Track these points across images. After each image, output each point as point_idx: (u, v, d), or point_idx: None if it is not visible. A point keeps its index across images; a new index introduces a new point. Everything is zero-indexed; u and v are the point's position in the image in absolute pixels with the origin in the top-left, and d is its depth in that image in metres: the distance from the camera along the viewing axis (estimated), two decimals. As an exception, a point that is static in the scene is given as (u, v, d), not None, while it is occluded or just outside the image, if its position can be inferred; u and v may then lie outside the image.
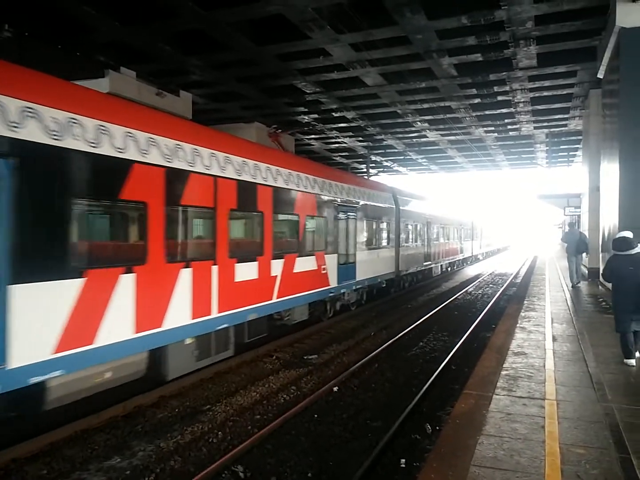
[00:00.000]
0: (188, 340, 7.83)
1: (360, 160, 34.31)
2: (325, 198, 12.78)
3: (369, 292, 17.09)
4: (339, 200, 13.52)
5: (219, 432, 6.75)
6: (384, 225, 17.61)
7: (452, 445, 4.58)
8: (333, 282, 13.09)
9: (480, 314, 15.59)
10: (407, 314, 16.25)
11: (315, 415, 7.38)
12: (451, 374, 9.54)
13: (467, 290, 22.67)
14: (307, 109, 21.26)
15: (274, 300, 10.18)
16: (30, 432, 6.20)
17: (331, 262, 12.98)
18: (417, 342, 12.16)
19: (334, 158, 33.67)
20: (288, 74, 16.92)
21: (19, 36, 11.97)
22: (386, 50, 14.39)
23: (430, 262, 24.63)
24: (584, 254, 16.33)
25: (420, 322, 14.34)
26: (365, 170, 32.76)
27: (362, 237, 15.33)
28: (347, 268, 13.99)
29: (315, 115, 22.41)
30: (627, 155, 10.98)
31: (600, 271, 12.96)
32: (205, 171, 8.14)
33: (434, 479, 4.00)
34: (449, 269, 31.72)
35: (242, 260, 9.10)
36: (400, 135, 26.81)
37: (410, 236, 21.16)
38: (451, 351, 10.81)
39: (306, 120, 23.24)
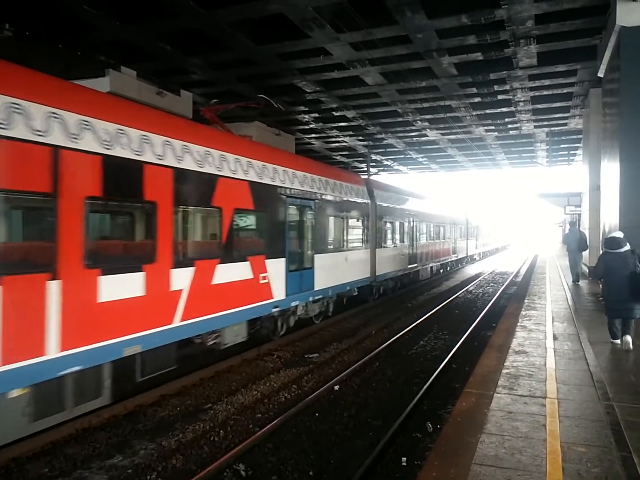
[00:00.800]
0: (15, 393, 5.51)
1: (361, 159, 34.32)
2: (267, 187, 10.14)
3: (346, 299, 15.22)
4: (288, 190, 10.94)
5: (221, 431, 6.76)
6: (355, 223, 15.22)
7: (453, 444, 4.59)
8: (279, 294, 10.51)
9: (481, 313, 15.59)
10: (408, 312, 16.26)
11: (317, 414, 7.39)
12: (452, 372, 9.55)
13: (467, 289, 22.67)
14: (307, 108, 21.27)
15: (178, 323, 7.58)
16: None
17: (276, 268, 10.40)
18: (417, 341, 12.17)
19: (335, 157, 33.70)
20: (288, 73, 16.93)
21: (19, 35, 11.98)
22: (386, 49, 14.39)
23: (416, 265, 22.21)
24: (584, 252, 16.75)
25: (421, 321, 14.35)
26: (365, 169, 32.79)
27: (324, 237, 12.85)
28: (300, 275, 11.52)
29: (316, 115, 22.43)
30: (627, 154, 10.98)
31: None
32: (36, 139, 5.51)
33: (435, 477, 4.01)
34: (442, 270, 29.41)
35: (112, 271, 6.47)
36: (401, 134, 26.82)
37: (391, 235, 18.89)
38: (452, 350, 10.82)
39: (306, 120, 23.25)
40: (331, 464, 5.90)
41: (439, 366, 9.57)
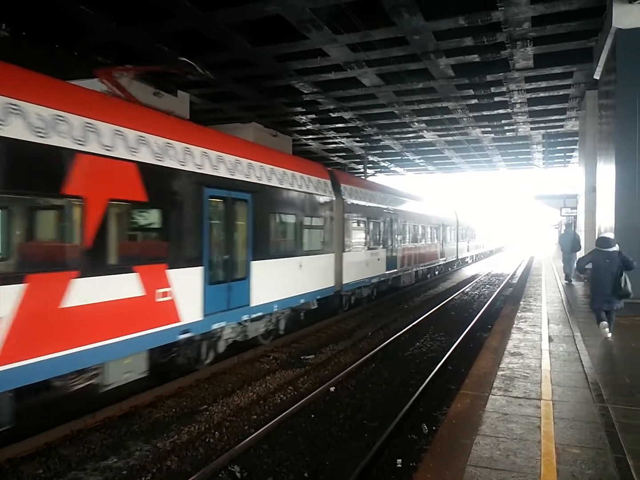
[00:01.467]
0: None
1: (358, 160, 34.36)
2: (171, 173, 7.66)
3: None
4: (209, 179, 8.46)
5: (216, 432, 6.75)
6: (313, 222, 12.65)
7: (449, 445, 4.59)
8: (191, 314, 8.04)
9: (477, 315, 15.62)
10: (404, 314, 16.27)
11: (312, 415, 7.39)
12: (447, 374, 9.56)
13: (463, 291, 22.70)
14: (304, 109, 21.28)
15: None
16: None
17: (185, 281, 7.94)
18: (413, 343, 12.18)
19: (332, 158, 33.73)
20: (285, 75, 16.94)
21: (16, 36, 11.95)
22: (383, 50, 14.42)
23: (396, 270, 19.66)
24: (577, 253, 17.11)
25: (417, 323, 14.36)
26: (362, 170, 32.83)
27: (266, 239, 10.38)
28: (228, 289, 9.02)
29: (313, 116, 22.45)
30: (623, 157, 11.02)
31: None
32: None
33: (430, 479, 4.01)
34: (429, 275, 26.91)
35: None
36: (398, 136, 26.87)
37: (364, 237, 16.33)
38: (448, 352, 10.83)
39: (303, 121, 23.27)
40: (327, 466, 5.90)
41: (434, 368, 9.58)
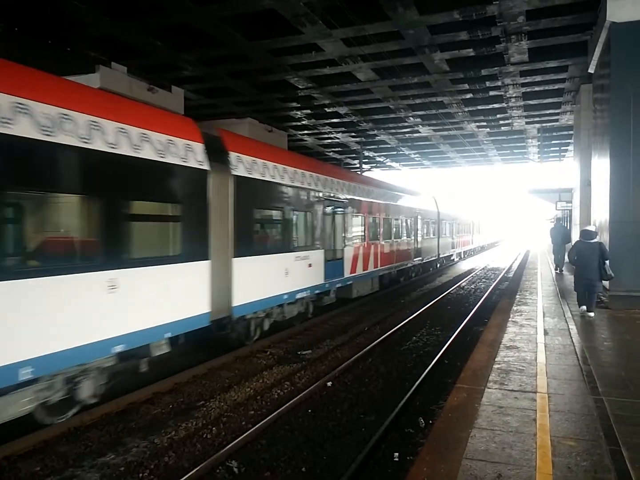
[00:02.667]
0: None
1: (354, 155, 34.32)
2: None
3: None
4: None
5: (213, 428, 6.76)
6: (160, 210, 8.14)
7: (445, 439, 4.62)
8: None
9: (473, 309, 15.67)
10: (401, 309, 16.31)
11: (309, 410, 7.41)
12: (444, 368, 9.60)
13: (460, 285, 22.77)
14: (299, 104, 21.21)
15: None
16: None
17: None
18: (410, 337, 12.21)
19: (327, 153, 33.67)
20: (280, 70, 16.87)
21: (8, 31, 11.84)
22: (378, 45, 14.37)
23: (344, 277, 14.90)
24: (567, 245, 18.04)
25: (414, 317, 14.40)
26: (358, 165, 32.81)
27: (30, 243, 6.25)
28: None
29: (308, 111, 22.38)
30: (617, 150, 11.06)
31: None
32: None
33: (426, 472, 4.03)
34: (403, 278, 22.55)
35: None
36: (393, 131, 26.84)
37: (279, 234, 11.58)
38: (444, 346, 10.88)
39: (299, 116, 23.21)
40: (324, 460, 5.93)
41: (431, 362, 9.62)
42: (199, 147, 8.49)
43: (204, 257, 8.58)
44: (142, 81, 9.42)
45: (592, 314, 10.32)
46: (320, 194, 13.43)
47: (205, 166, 8.56)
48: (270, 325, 11.43)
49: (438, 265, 30.07)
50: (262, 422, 6.79)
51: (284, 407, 7.34)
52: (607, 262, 10.16)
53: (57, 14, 12.39)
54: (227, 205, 9.35)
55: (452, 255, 34.64)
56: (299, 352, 10.73)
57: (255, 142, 11.69)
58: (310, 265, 12.72)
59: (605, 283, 11.46)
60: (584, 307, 10.52)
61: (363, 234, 16.76)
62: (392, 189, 20.80)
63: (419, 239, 24.11)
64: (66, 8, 11.96)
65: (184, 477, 5.33)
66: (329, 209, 14.05)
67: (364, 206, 16.80)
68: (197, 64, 15.99)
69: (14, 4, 11.67)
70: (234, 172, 9.51)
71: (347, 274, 15.15)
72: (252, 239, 10.23)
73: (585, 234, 10.50)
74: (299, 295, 12.11)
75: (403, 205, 21.53)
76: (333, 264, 14.19)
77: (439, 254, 28.96)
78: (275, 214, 11.42)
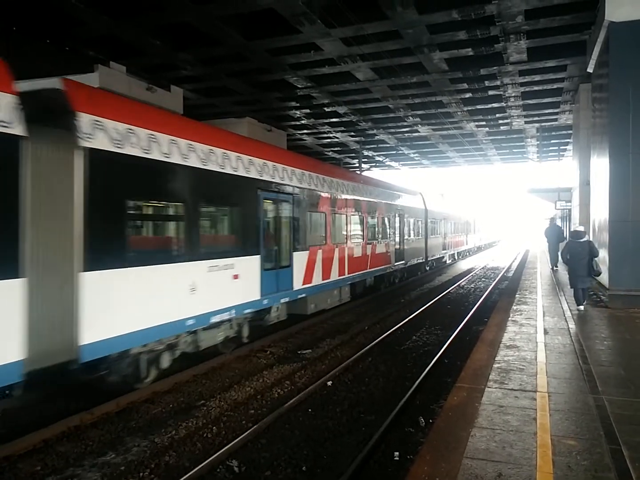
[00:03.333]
0: None
1: (353, 155, 34.32)
2: None
3: None
4: None
5: (214, 427, 6.76)
6: None
7: (445, 438, 4.62)
8: None
9: (473, 308, 15.68)
10: (400, 308, 16.32)
11: (310, 410, 7.41)
12: (444, 367, 9.60)
13: (459, 284, 22.79)
14: (298, 103, 21.22)
15: None
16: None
17: None
18: (410, 336, 12.22)
19: (326, 153, 33.67)
20: (279, 69, 16.87)
21: (6, 30, 11.84)
22: (377, 44, 14.38)
23: (293, 290, 11.68)
24: (561, 243, 18.49)
25: (413, 316, 14.41)
26: (357, 165, 32.81)
27: None
28: None
29: (307, 110, 22.38)
30: (616, 150, 11.07)
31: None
32: None
33: (426, 471, 4.03)
34: (383, 285, 19.60)
35: None
36: (392, 130, 26.85)
37: (177, 235, 8.37)
38: (444, 345, 10.88)
39: (298, 115, 23.20)
40: (324, 459, 5.92)
41: (431, 361, 9.62)
42: (3, 100, 5.55)
43: (8, 273, 5.49)
44: (141, 81, 9.41)
45: (582, 308, 11.07)
46: (257, 184, 10.24)
47: (16, 130, 5.60)
48: (179, 358, 8.56)
49: (427, 268, 27.35)
50: (263, 421, 6.79)
51: (284, 406, 7.33)
52: (596, 258, 10.88)
53: (56, 13, 12.39)
54: (72, 193, 6.31)
55: (443, 257, 31.65)
56: (299, 352, 10.73)
57: (137, 104, 7.97)
58: (236, 276, 9.46)
59: (605, 282, 11.56)
60: (582, 307, 11.12)
61: (323, 234, 13.50)
62: (366, 182, 17.95)
63: (402, 239, 21.18)
64: (64, 7, 11.95)
65: (185, 476, 5.32)
66: (269, 204, 10.86)
67: (325, 201, 13.62)
68: (196, 63, 15.99)
69: (12, 3, 11.65)
70: (87, 144, 6.46)
71: (298, 285, 11.91)
72: (123, 243, 7.07)
73: (576, 234, 11.27)
74: (216, 318, 8.87)
75: (381, 201, 18.45)
76: (275, 273, 10.93)
77: (426, 256, 25.89)
78: (173, 208, 8.30)
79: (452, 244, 33.83)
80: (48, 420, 6.57)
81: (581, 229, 11.49)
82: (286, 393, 8.15)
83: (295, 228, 11.91)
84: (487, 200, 75.51)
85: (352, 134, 27.53)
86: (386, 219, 19.16)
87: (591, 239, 11.81)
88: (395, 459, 5.87)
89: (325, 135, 27.84)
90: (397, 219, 20.59)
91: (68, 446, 6.18)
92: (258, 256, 10.27)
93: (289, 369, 9.44)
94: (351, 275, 15.42)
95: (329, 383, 8.54)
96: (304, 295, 12.32)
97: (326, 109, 22.07)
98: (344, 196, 15.04)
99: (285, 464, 5.79)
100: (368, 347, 10.80)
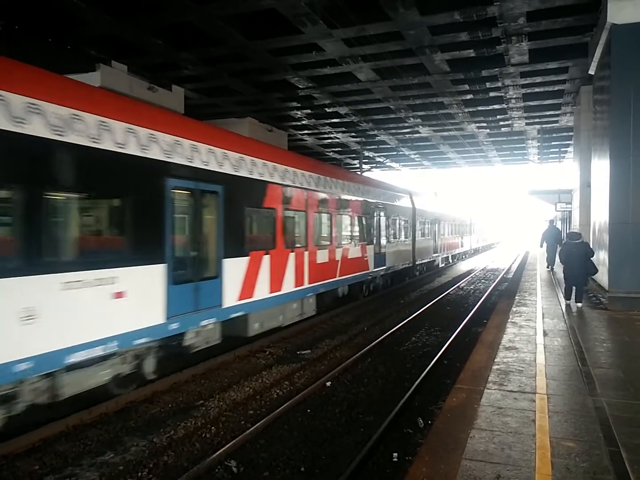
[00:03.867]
0: None
1: (354, 155, 34.31)
2: None
3: None
4: None
5: (212, 427, 6.76)
6: None
7: (444, 439, 4.62)
8: None
9: (472, 310, 15.68)
10: (400, 309, 16.31)
11: (308, 410, 7.41)
12: (443, 368, 9.59)
13: (459, 286, 22.78)
14: (299, 104, 21.22)
15: None
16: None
17: None
18: (409, 337, 12.21)
19: (327, 153, 33.67)
20: (280, 69, 16.87)
21: (8, 29, 11.84)
22: (379, 45, 14.37)
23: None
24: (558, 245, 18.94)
25: (413, 318, 14.40)
26: (358, 165, 32.81)
27: None
28: None
29: (308, 111, 22.38)
30: (617, 152, 11.06)
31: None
32: None
33: (425, 472, 4.03)
34: (363, 292, 17.82)
35: None
36: (393, 131, 26.84)
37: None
38: (443, 346, 10.87)
39: (299, 116, 23.20)
40: (323, 460, 5.92)
41: (430, 362, 9.61)
42: None
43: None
44: (143, 80, 9.39)
45: (580, 304, 11.74)
46: (163, 168, 7.78)
47: None
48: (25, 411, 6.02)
49: (417, 273, 24.96)
50: (261, 421, 6.78)
51: (283, 406, 7.33)
52: (592, 259, 11.63)
53: (57, 12, 12.39)
54: None
55: (434, 260, 29.18)
56: (298, 352, 10.73)
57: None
58: (120, 294, 6.93)
59: (605, 284, 11.58)
60: (569, 302, 12.09)
61: (272, 237, 11.12)
62: (336, 175, 15.08)
63: (384, 241, 19.01)
64: (66, 6, 11.95)
65: (183, 476, 5.32)
66: (182, 196, 8.30)
67: (275, 195, 11.16)
68: (197, 63, 15.99)
69: (13, 2, 11.65)
70: None
71: (231, 301, 9.45)
72: None
73: (572, 236, 12.15)
74: (76, 357, 6.30)
75: (356, 198, 16.30)
76: (193, 288, 8.40)
77: (414, 260, 23.45)
78: None
79: (445, 247, 31.90)
80: (47, 419, 6.57)
81: (577, 231, 12.56)
82: (285, 393, 8.15)
83: (228, 228, 9.39)
84: (485, 200, 74.97)
85: (353, 134, 27.53)
86: (363, 219, 16.93)
87: (585, 241, 12.54)
88: (393, 460, 5.87)
89: (326, 135, 27.84)
90: (378, 218, 18.30)
91: (67, 445, 6.18)
92: (164, 265, 7.73)
93: (288, 370, 9.43)
94: (314, 285, 13.10)
95: (328, 384, 8.54)
96: (241, 313, 9.80)
97: (327, 110, 22.06)
98: (304, 191, 12.61)
99: (284, 465, 5.79)
100: (367, 348, 10.79)
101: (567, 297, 12.14)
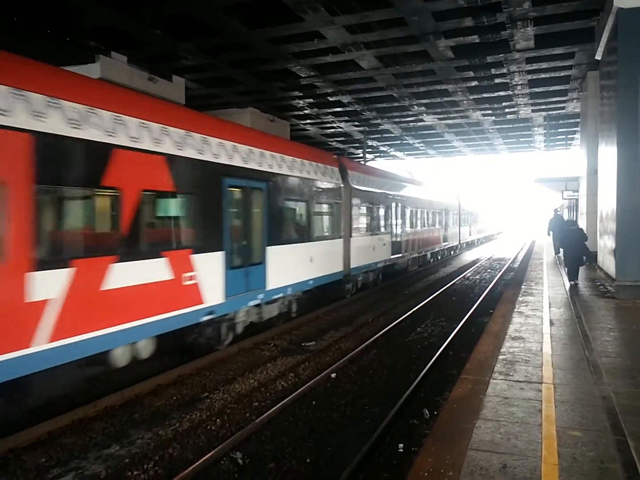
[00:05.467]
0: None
1: (357, 145, 34.11)
2: None
3: None
4: None
5: (217, 420, 6.76)
6: None
7: (450, 430, 4.59)
8: None
9: (478, 299, 15.61)
10: (405, 300, 16.27)
11: (314, 402, 7.39)
12: (449, 359, 9.56)
13: (464, 276, 22.70)
14: (301, 93, 21.05)
15: None
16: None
17: None
18: (415, 328, 12.17)
19: (330, 143, 33.49)
20: (282, 58, 16.71)
21: (6, 21, 11.76)
22: (381, 32, 14.20)
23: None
24: None
25: (418, 308, 14.35)
26: (361, 155, 32.63)
27: None
28: None
29: (311, 100, 22.21)
30: (625, 138, 10.90)
31: (597, 255, 13.93)
32: None
33: (431, 463, 4.00)
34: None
35: None
36: (397, 120, 26.62)
37: None
38: (449, 337, 10.83)
39: (301, 105, 23.03)
40: (328, 451, 5.91)
41: (435, 353, 9.57)
42: None
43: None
44: (143, 71, 9.32)
45: (573, 283, 13.38)
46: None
47: None
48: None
49: (351, 289, 16.28)
50: (266, 413, 6.78)
51: (288, 398, 7.32)
52: (585, 242, 13.46)
53: (56, 3, 12.29)
54: None
55: (394, 264, 20.17)
56: (303, 344, 10.71)
57: None
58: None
59: (612, 272, 11.51)
60: (573, 282, 13.45)
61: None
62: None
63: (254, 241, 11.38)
64: (66, -2, 11.85)
65: (189, 469, 5.32)
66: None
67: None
68: (197, 53, 15.84)
69: (13, -6, 11.56)
70: None
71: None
72: None
73: (570, 223, 14.90)
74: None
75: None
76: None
77: (349, 268, 15.34)
78: None
79: (418, 243, 23.57)
80: (53, 412, 6.59)
81: (573, 219, 15.52)
82: (290, 385, 8.14)
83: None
84: (488, 187, 73.43)
85: (356, 123, 27.33)
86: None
87: (580, 227, 14.67)
88: (399, 450, 5.85)
89: (328, 125, 27.66)
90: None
91: (72, 438, 6.19)
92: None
93: (292, 361, 9.42)
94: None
95: (333, 375, 8.52)
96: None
97: (330, 99, 21.88)
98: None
99: (289, 456, 5.78)
100: (372, 339, 10.77)
101: (571, 278, 13.50)
